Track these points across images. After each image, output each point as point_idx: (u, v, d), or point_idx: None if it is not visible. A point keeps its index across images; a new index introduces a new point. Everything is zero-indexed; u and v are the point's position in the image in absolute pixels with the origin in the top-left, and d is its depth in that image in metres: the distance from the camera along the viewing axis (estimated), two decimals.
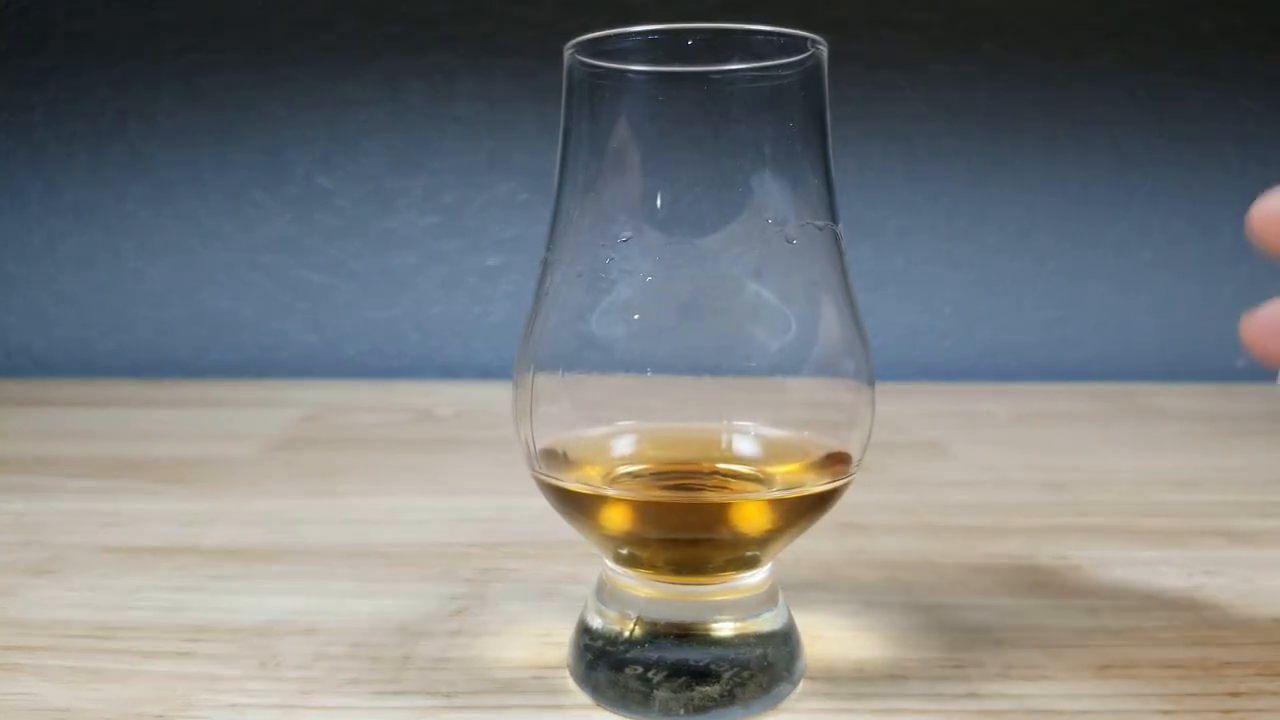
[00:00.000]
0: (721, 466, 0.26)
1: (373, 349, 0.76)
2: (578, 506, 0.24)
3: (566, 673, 0.26)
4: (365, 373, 0.76)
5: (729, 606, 0.25)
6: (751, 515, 0.24)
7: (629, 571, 0.25)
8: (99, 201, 0.74)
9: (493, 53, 0.73)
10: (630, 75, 0.23)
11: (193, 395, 0.67)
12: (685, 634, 0.25)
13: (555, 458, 0.25)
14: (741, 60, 0.23)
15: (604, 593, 0.26)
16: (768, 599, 0.26)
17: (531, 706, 0.25)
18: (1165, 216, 0.77)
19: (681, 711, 0.24)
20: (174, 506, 0.41)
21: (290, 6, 0.72)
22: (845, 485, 0.25)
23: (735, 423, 0.26)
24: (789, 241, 0.24)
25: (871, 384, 0.25)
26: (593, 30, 0.24)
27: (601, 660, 0.25)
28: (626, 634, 0.25)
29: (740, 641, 0.25)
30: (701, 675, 0.24)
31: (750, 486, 0.26)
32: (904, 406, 0.64)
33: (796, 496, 0.24)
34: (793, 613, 0.27)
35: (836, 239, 0.25)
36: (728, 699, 0.24)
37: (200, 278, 0.75)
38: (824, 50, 0.24)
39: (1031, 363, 0.78)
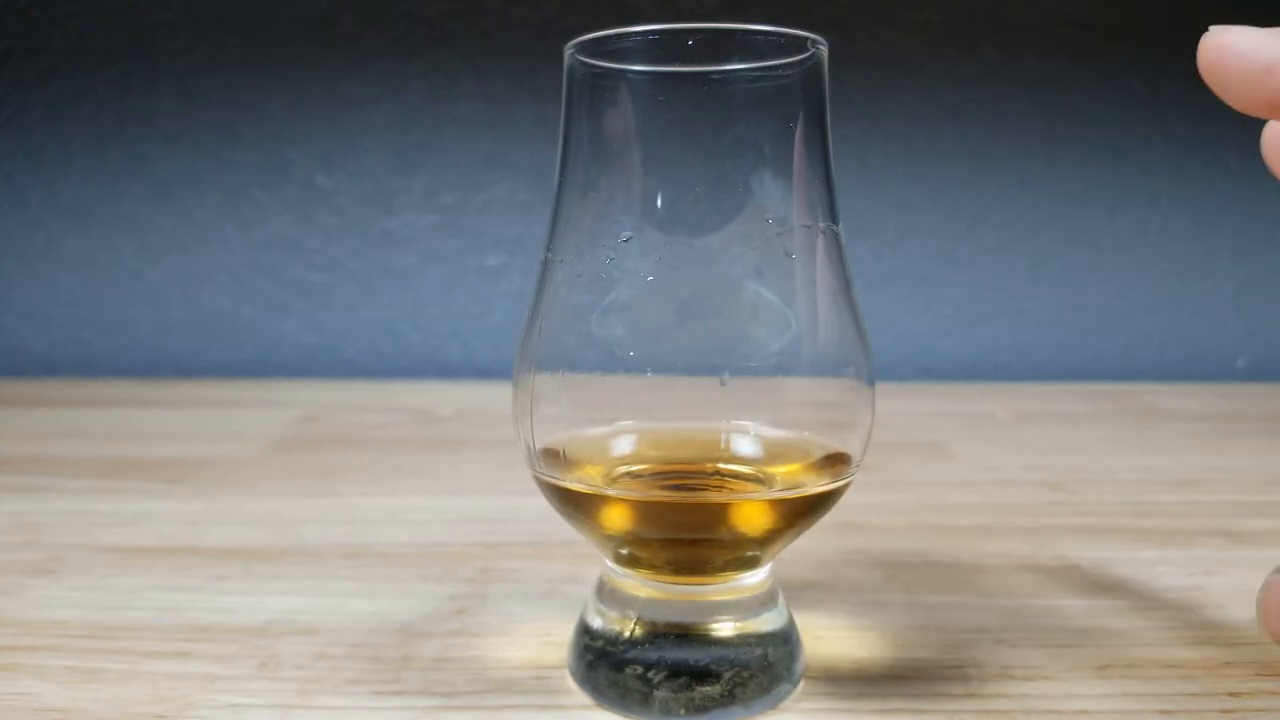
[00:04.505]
0: (722, 467, 0.26)
1: (372, 349, 0.76)
2: (578, 506, 0.24)
3: (567, 673, 0.26)
4: (365, 373, 0.76)
5: (729, 606, 0.25)
6: (752, 515, 0.24)
7: (629, 571, 0.25)
8: (98, 201, 0.74)
9: (492, 52, 0.73)
10: (630, 75, 0.23)
11: (192, 395, 0.67)
12: (685, 634, 0.25)
13: (555, 458, 0.25)
14: (742, 60, 0.23)
15: (604, 593, 0.26)
16: (768, 599, 0.26)
17: (531, 706, 0.25)
18: (1165, 216, 0.77)
19: (682, 711, 0.24)
20: (173, 506, 0.41)
21: (289, 6, 0.72)
22: (845, 486, 0.25)
23: (735, 423, 0.26)
24: (789, 256, 0.24)
25: (872, 384, 0.25)
26: (592, 30, 0.24)
27: (602, 660, 0.25)
28: (627, 634, 0.25)
29: (740, 641, 0.25)
30: (702, 675, 0.24)
31: (750, 487, 0.26)
32: (904, 407, 0.64)
33: (797, 497, 0.24)
34: (793, 613, 0.27)
35: (837, 239, 0.25)
36: (728, 699, 0.24)
37: (199, 277, 0.75)
38: (824, 50, 0.24)
39: (1031, 363, 0.78)
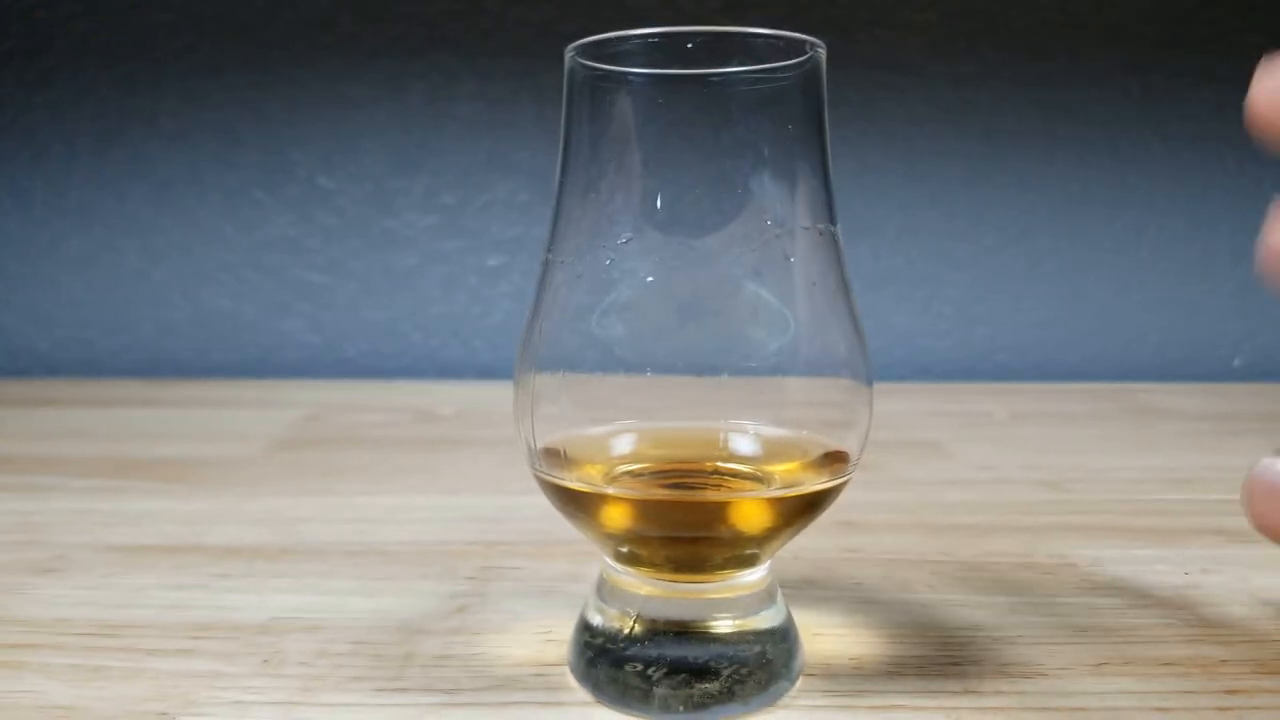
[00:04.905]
0: (721, 465, 0.26)
1: (373, 349, 0.77)
2: (578, 505, 0.25)
3: (567, 670, 0.26)
4: (366, 373, 0.76)
5: (728, 604, 0.25)
6: (750, 514, 0.24)
7: (629, 569, 0.25)
8: (101, 202, 0.74)
9: (493, 53, 0.73)
10: (631, 77, 0.24)
11: (194, 395, 0.68)
12: (685, 631, 0.25)
13: (556, 457, 0.25)
14: (741, 63, 0.23)
15: (604, 591, 0.26)
16: (766, 597, 0.26)
17: (532, 704, 0.25)
18: (1163, 216, 0.77)
19: (681, 708, 0.24)
20: (176, 506, 0.42)
21: (291, 7, 0.72)
22: (843, 484, 0.25)
23: (734, 422, 0.26)
24: (787, 257, 0.24)
25: (870, 384, 0.25)
26: (592, 30, 0.24)
27: (602, 658, 0.25)
28: (626, 631, 0.25)
29: (739, 639, 0.25)
30: (701, 672, 0.24)
31: (749, 485, 0.26)
32: (903, 406, 0.65)
33: (795, 495, 0.24)
34: (791, 610, 0.27)
35: (835, 240, 0.25)
36: (727, 696, 0.24)
37: (202, 278, 0.75)
38: (822, 53, 0.24)
39: (1030, 363, 0.78)
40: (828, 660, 0.27)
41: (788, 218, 0.24)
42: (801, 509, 0.24)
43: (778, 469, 0.26)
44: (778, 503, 0.24)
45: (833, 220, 0.25)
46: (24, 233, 0.74)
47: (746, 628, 0.25)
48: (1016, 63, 0.74)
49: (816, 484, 0.24)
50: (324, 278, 0.76)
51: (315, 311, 0.76)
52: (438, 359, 0.77)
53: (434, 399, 0.66)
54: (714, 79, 0.23)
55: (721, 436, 0.27)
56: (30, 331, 0.76)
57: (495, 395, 0.67)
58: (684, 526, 0.24)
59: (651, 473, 0.26)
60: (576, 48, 0.24)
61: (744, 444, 0.26)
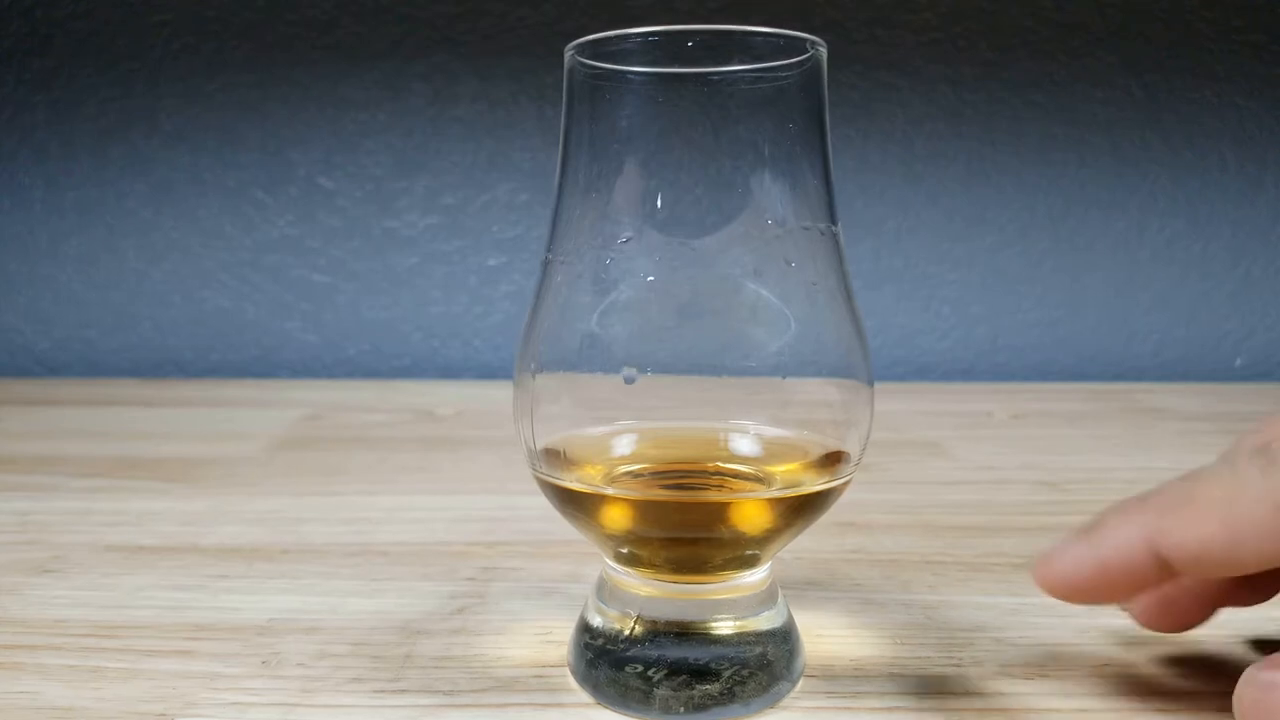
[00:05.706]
0: (721, 466, 0.26)
1: (374, 349, 0.77)
2: (578, 506, 0.25)
3: (567, 671, 0.26)
4: (366, 373, 0.76)
5: (729, 605, 0.25)
6: (751, 514, 0.24)
7: (629, 570, 0.25)
8: (101, 201, 0.74)
9: (493, 53, 0.73)
10: (630, 76, 0.23)
11: (195, 395, 0.67)
12: (685, 632, 0.25)
13: (556, 457, 0.25)
14: (741, 62, 0.23)
15: (604, 591, 0.26)
16: (767, 597, 0.26)
17: (532, 705, 0.25)
18: (1163, 216, 0.77)
19: (682, 710, 0.24)
20: (176, 506, 0.42)
21: (291, 7, 0.72)
22: (844, 484, 0.25)
23: (735, 422, 0.26)
24: (787, 256, 0.24)
25: (870, 384, 0.25)
26: (592, 31, 0.24)
27: (602, 659, 0.25)
28: (627, 632, 0.25)
29: (740, 640, 0.25)
30: (701, 673, 0.24)
31: (750, 486, 0.26)
32: (903, 406, 0.64)
33: (796, 496, 0.24)
34: (792, 611, 0.27)
35: (835, 239, 0.25)
36: (727, 697, 0.24)
37: (202, 278, 0.75)
38: (823, 52, 0.24)
39: (1030, 363, 0.78)
40: (829, 661, 0.27)
41: (788, 217, 0.24)
42: (802, 509, 0.24)
43: (778, 469, 0.26)
44: (778, 503, 0.24)
45: (833, 220, 0.25)
46: (24, 232, 0.74)
47: (747, 629, 0.25)
48: (1016, 62, 0.74)
49: (817, 484, 0.24)
50: (324, 278, 0.76)
51: (315, 311, 0.76)
52: (438, 359, 0.77)
53: (434, 399, 0.66)
54: (714, 78, 0.23)
55: (722, 437, 0.27)
56: (30, 331, 0.76)
57: (495, 395, 0.67)
58: (684, 527, 0.24)
59: (651, 473, 0.26)
60: (576, 47, 0.24)
61: (744, 444, 0.26)
